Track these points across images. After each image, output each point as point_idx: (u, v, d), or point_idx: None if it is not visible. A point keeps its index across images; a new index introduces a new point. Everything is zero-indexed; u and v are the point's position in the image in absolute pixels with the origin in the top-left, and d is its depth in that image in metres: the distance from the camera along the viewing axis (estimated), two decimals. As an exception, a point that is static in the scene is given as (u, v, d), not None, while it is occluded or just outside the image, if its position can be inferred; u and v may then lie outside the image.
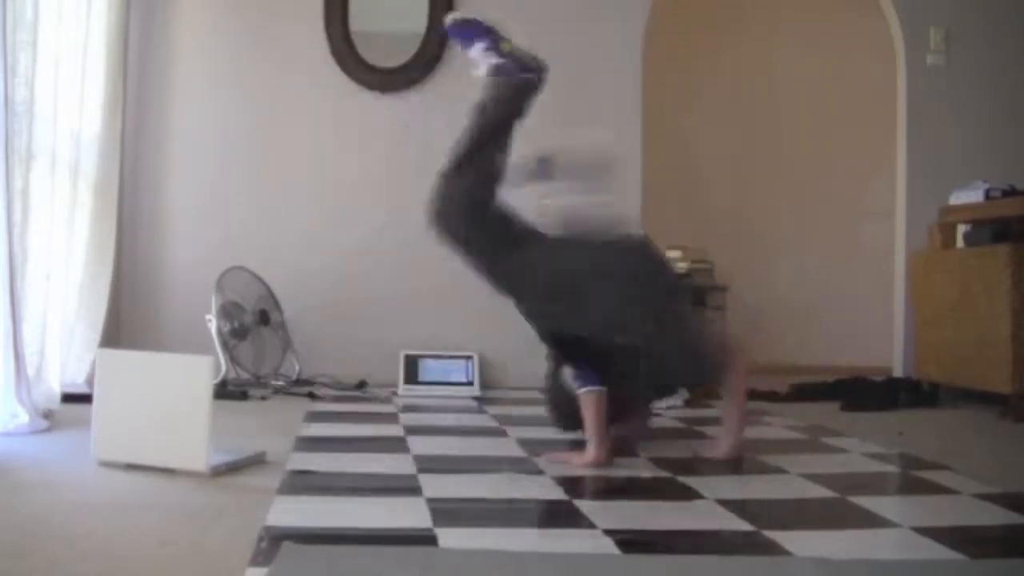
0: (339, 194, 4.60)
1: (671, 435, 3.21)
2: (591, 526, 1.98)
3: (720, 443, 2.81)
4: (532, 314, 2.81)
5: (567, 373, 2.75)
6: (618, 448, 2.72)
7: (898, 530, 2.02)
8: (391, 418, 3.47)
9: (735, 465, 2.71)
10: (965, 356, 4.07)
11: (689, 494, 2.30)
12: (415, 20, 4.59)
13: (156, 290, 4.49)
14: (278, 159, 4.60)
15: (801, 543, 1.86)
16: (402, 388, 4.18)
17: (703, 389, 3.85)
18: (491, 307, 3.07)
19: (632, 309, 2.69)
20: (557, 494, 2.26)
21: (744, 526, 2.00)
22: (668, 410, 3.71)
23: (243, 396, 3.89)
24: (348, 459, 2.68)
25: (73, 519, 1.98)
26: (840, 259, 5.83)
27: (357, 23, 4.58)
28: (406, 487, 2.30)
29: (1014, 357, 3.74)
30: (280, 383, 4.21)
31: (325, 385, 4.25)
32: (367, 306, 4.52)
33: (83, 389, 3.53)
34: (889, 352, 4.91)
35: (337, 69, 4.57)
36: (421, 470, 2.49)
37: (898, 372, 4.76)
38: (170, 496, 2.20)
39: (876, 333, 5.16)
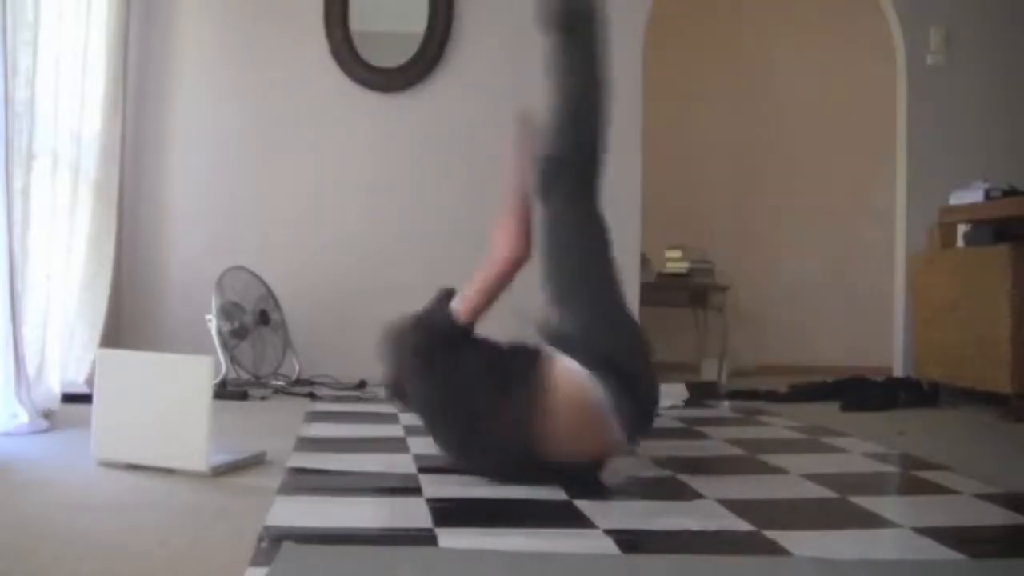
0: (339, 194, 4.61)
1: (672, 435, 3.21)
2: (591, 526, 1.98)
3: None
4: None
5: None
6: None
7: (898, 530, 2.02)
8: (391, 418, 3.46)
9: (735, 465, 2.70)
10: (965, 356, 4.06)
11: (689, 494, 2.30)
12: (415, 20, 4.59)
13: (156, 290, 4.49)
14: (278, 159, 4.60)
15: (801, 543, 1.85)
16: (402, 388, 4.17)
17: None
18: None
19: None
20: (557, 494, 2.26)
21: (744, 526, 2.00)
22: (668, 410, 3.71)
23: (243, 396, 3.89)
24: (348, 459, 2.67)
25: (73, 519, 1.98)
26: (840, 259, 5.83)
27: (357, 23, 4.58)
28: (406, 487, 2.30)
29: (1014, 357, 3.74)
30: (280, 383, 4.21)
31: (325, 385, 4.25)
32: (367, 306, 4.50)
33: (83, 389, 3.53)
34: (889, 352, 4.91)
35: (337, 69, 4.57)
36: (421, 470, 2.49)
37: (898, 372, 4.76)
38: (170, 496, 2.20)
39: (876, 333, 5.16)
